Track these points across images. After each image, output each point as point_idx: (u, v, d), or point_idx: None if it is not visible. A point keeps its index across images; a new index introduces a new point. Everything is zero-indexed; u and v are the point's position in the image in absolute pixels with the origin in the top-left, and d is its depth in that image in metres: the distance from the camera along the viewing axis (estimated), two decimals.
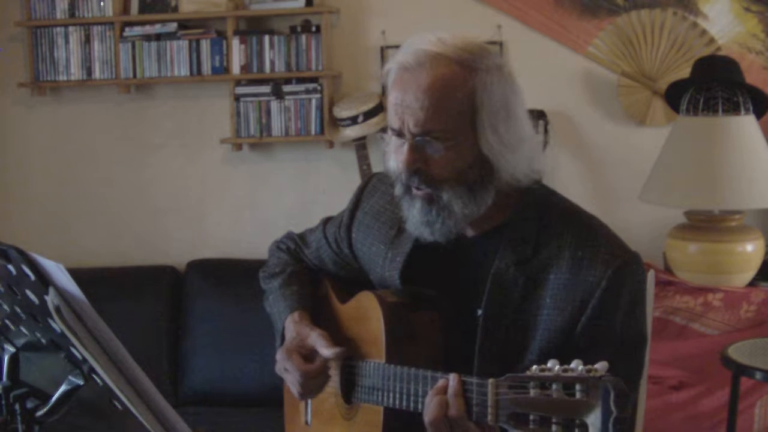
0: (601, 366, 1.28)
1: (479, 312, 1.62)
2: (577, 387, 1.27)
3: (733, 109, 3.39)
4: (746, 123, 3.38)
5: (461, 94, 1.56)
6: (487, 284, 1.61)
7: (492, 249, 1.63)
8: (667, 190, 3.45)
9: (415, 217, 1.63)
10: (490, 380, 1.39)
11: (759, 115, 3.44)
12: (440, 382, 1.49)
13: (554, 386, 1.29)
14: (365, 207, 1.86)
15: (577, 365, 1.29)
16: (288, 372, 1.77)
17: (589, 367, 1.28)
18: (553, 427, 1.29)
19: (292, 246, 2.02)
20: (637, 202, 3.61)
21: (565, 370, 1.30)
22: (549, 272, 1.60)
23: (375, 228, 1.82)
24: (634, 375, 1.62)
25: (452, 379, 1.47)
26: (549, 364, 1.32)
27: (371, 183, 1.89)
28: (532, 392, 1.31)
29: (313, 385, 1.77)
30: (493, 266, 1.62)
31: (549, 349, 1.57)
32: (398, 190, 1.66)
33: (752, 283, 3.46)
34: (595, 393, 1.25)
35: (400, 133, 1.60)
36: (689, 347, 3.31)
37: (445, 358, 1.64)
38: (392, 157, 1.66)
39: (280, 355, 1.78)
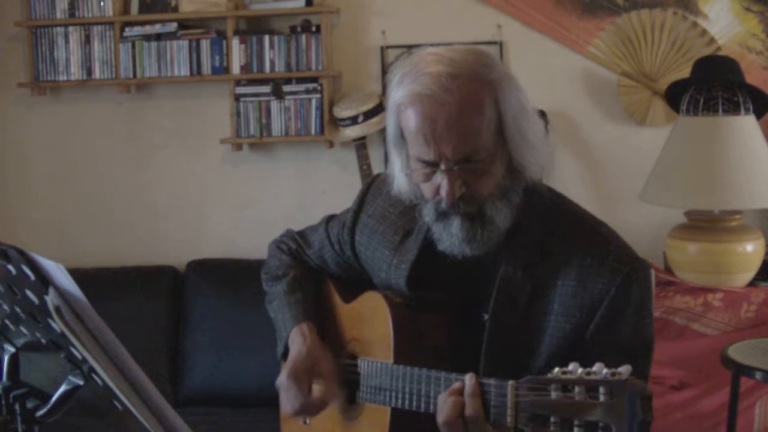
0: (624, 369, 1.27)
1: (486, 317, 1.61)
2: (601, 390, 1.26)
3: (733, 109, 3.39)
4: (746, 123, 3.38)
5: (488, 109, 1.54)
6: (495, 289, 1.60)
7: (499, 253, 1.62)
8: (667, 190, 3.45)
9: (454, 236, 1.58)
10: (510, 382, 1.39)
11: (759, 115, 3.44)
12: (456, 384, 1.47)
13: (577, 389, 1.28)
14: (369, 210, 1.84)
15: (600, 368, 1.28)
16: (289, 391, 1.76)
17: (613, 370, 1.27)
18: (575, 430, 1.28)
19: (293, 246, 1.99)
20: (637, 202, 3.61)
21: (588, 373, 1.29)
22: (557, 278, 1.59)
23: (379, 232, 1.80)
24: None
25: (469, 379, 1.46)
26: (570, 367, 1.31)
27: (375, 184, 1.86)
28: (554, 394, 1.30)
29: (309, 413, 1.78)
30: (500, 270, 1.61)
31: (556, 355, 1.57)
32: (429, 216, 1.61)
33: (752, 283, 3.46)
34: (620, 396, 1.24)
35: (433, 164, 1.55)
36: (689, 347, 3.31)
37: (451, 361, 1.63)
38: (406, 182, 1.63)
39: (286, 375, 1.76)
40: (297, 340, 1.82)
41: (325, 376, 1.77)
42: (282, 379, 1.77)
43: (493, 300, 1.60)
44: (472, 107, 1.52)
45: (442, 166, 1.54)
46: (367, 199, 1.85)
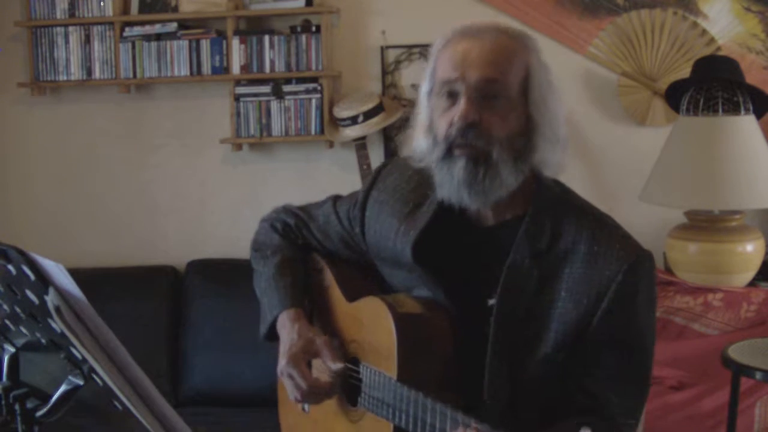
0: None
1: (491, 302, 1.62)
2: None
3: (733, 109, 3.39)
4: (746, 123, 3.38)
5: (519, 61, 1.62)
6: (502, 275, 1.62)
7: (508, 240, 1.64)
8: (667, 190, 3.45)
9: (456, 177, 1.60)
10: None
11: (759, 115, 3.44)
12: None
13: None
14: (380, 186, 1.85)
15: None
16: (293, 378, 1.75)
17: None
18: None
19: (292, 222, 1.99)
20: (637, 202, 3.61)
21: None
22: (564, 266, 1.61)
23: (389, 204, 1.80)
24: (648, 373, 1.65)
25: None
26: None
27: (388, 165, 1.88)
28: None
29: (317, 397, 1.77)
30: (508, 257, 1.62)
31: (563, 341, 1.59)
32: (437, 154, 1.63)
33: (752, 283, 3.46)
34: None
35: (452, 91, 1.60)
36: (689, 347, 3.31)
37: (456, 361, 1.63)
38: (424, 130, 1.66)
39: (285, 361, 1.76)
40: (286, 325, 1.82)
41: (322, 351, 1.75)
42: (281, 366, 1.76)
43: (501, 288, 1.61)
44: (505, 52, 1.62)
45: (463, 89, 1.59)
46: (380, 177, 1.87)
